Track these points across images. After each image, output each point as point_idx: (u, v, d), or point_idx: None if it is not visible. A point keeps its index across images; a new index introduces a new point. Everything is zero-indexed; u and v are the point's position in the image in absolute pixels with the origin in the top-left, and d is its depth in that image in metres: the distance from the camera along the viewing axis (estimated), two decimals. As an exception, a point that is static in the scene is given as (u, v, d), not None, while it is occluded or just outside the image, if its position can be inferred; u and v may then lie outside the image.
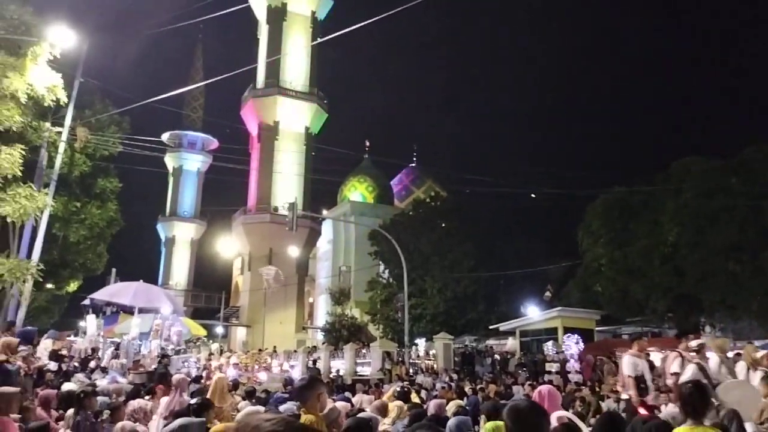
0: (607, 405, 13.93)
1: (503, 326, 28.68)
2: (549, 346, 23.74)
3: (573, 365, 20.96)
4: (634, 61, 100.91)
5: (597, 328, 27.11)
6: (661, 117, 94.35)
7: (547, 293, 33.99)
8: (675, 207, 24.39)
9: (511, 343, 28.39)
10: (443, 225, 35.69)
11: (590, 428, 5.58)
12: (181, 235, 63.95)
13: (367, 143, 58.41)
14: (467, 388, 16.88)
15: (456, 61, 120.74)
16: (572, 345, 21.97)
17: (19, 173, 13.28)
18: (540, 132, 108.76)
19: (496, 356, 26.60)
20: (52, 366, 13.92)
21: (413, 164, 58.24)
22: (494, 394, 15.53)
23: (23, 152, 13.47)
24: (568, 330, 23.92)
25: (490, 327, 29.78)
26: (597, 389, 16.04)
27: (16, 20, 13.18)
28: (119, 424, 5.73)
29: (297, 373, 22.39)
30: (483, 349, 28.77)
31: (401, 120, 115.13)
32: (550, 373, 20.56)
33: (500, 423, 5.92)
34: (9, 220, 14.17)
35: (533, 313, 28.81)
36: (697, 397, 3.87)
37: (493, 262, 32.38)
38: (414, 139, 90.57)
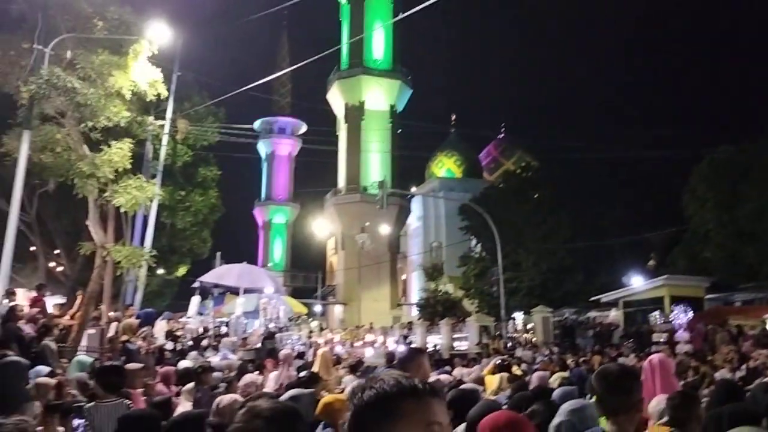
0: (721, 375, 13.26)
1: (605, 297, 27.81)
2: (655, 317, 22.85)
3: (682, 335, 20.08)
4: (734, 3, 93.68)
5: (706, 296, 25.78)
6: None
7: (651, 262, 32.60)
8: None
9: (614, 315, 27.52)
10: (536, 196, 34.87)
11: (705, 399, 5.32)
12: (276, 219, 66.07)
13: (453, 117, 57.71)
14: (569, 361, 16.54)
15: (540, 25, 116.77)
16: (680, 314, 21.03)
17: (129, 166, 14.11)
18: (636, 92, 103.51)
19: (599, 328, 25.90)
20: (169, 345, 14.89)
21: (501, 135, 57.05)
22: (599, 366, 15.14)
23: (131, 146, 14.28)
24: (675, 299, 22.91)
25: (591, 299, 28.96)
26: (710, 359, 15.28)
27: (117, 20, 13.91)
28: (228, 396, 6.02)
29: (399, 349, 22.70)
30: (584, 321, 28.07)
31: (487, 91, 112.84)
32: (657, 344, 19.77)
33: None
34: (122, 210, 15.12)
35: (637, 283, 27.76)
36: None
37: (590, 231, 31.35)
38: (501, 110, 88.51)
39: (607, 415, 2.69)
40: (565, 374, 11.73)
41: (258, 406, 1.95)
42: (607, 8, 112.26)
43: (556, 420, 3.33)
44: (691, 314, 21.03)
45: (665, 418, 4.04)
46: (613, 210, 32.75)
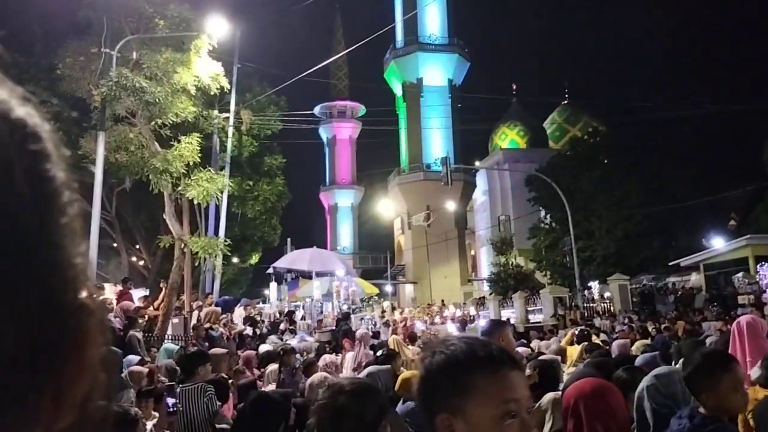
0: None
1: (684, 261, 26.76)
2: (739, 278, 21.83)
3: (769, 296, 19.14)
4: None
5: (796, 254, 24.43)
6: None
7: (732, 222, 31.06)
8: None
9: (695, 279, 26.47)
10: (605, 161, 33.78)
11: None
12: (342, 202, 66.83)
13: (514, 86, 56.48)
14: (650, 328, 16.08)
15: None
16: (767, 274, 20.01)
17: (198, 159, 14.55)
18: (705, 44, 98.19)
19: (679, 293, 25.02)
20: (248, 330, 15.37)
21: (566, 102, 55.42)
22: (683, 332, 14.65)
23: (199, 140, 14.71)
24: (760, 259, 21.80)
25: (669, 263, 27.94)
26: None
27: (177, 17, 14.29)
28: (315, 375, 6.19)
29: (451, 327, 22.64)
30: (663, 287, 27.15)
31: (548, 57, 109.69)
32: (743, 306, 18.92)
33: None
34: (195, 202, 15.64)
35: (718, 244, 26.55)
36: None
37: (665, 194, 30.15)
38: (563, 75, 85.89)
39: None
40: (647, 341, 11.43)
41: (340, 383, 2.08)
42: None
43: (642, 385, 3.26)
44: (779, 274, 19.97)
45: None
46: (688, 170, 31.36)
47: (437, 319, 25.37)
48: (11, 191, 0.32)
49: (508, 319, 24.99)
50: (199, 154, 14.65)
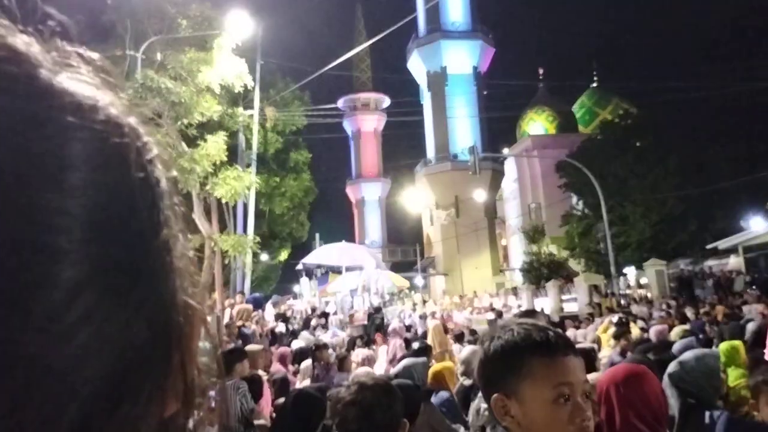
0: None
1: (722, 244, 26.09)
2: (781, 260, 21.22)
3: (815, 278, 18.52)
4: None
5: (840, 233, 23.65)
6: None
7: (772, 202, 30.17)
8: None
9: (734, 261, 25.79)
10: (638, 144, 33.08)
11: None
12: (369, 196, 66.84)
13: (541, 71, 55.61)
14: (689, 314, 15.69)
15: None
16: (811, 255, 19.38)
17: (225, 158, 14.58)
18: (736, 17, 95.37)
19: (718, 277, 24.43)
20: (281, 327, 15.39)
21: (594, 84, 54.43)
22: (723, 317, 14.24)
23: (225, 138, 14.74)
24: (803, 239, 21.16)
25: (707, 247, 27.26)
26: None
27: (199, 17, 14.33)
28: (360, 370, 6.15)
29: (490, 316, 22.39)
30: (701, 271, 26.52)
31: (574, 40, 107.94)
32: (786, 288, 18.37)
33: (736, 343, 5.36)
34: (223, 200, 15.71)
35: (757, 226, 25.82)
36: None
37: (701, 175, 29.38)
38: (591, 58, 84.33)
39: None
40: (686, 327, 11.12)
41: (364, 381, 2.23)
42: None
43: (670, 368, 3.16)
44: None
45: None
46: (724, 150, 30.50)
47: (471, 311, 25.14)
48: (137, 194, 0.35)
49: (542, 309, 24.70)
50: (226, 153, 14.68)
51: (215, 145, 14.15)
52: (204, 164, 13.90)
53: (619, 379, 2.27)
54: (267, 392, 6.11)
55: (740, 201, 29.22)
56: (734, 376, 4.63)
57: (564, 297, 26.67)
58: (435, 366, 5.49)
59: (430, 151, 52.76)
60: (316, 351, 7.49)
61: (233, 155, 18.04)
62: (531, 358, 1.26)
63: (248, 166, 18.80)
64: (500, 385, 1.29)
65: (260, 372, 7.20)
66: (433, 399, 4.84)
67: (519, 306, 25.74)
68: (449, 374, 5.10)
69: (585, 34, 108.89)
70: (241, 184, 14.78)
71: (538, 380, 1.25)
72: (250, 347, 7.23)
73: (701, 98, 32.80)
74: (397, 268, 51.66)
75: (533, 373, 1.25)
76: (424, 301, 30.37)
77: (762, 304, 15.80)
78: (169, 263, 0.36)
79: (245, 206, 19.74)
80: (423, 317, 20.76)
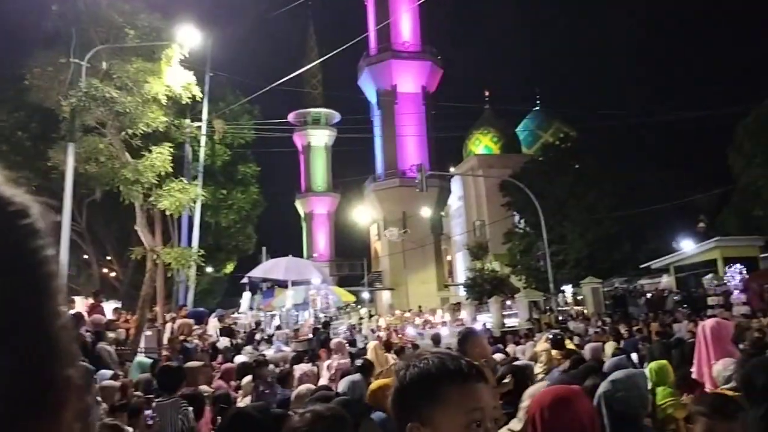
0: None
1: (655, 264, 27.24)
2: (708, 280, 22.28)
3: (738, 297, 19.54)
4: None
5: (762, 255, 24.99)
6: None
7: (700, 224, 31.69)
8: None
9: (666, 281, 26.95)
10: (576, 166, 34.26)
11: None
12: (318, 209, 66.65)
13: (487, 93, 56.98)
14: (623, 331, 16.33)
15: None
16: (735, 276, 20.42)
17: (170, 169, 14.39)
18: (673, 51, 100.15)
19: (650, 295, 25.44)
20: (223, 341, 15.20)
21: (537, 108, 56.09)
22: (656, 334, 14.91)
23: (171, 150, 14.57)
24: (728, 260, 22.28)
25: (641, 266, 28.41)
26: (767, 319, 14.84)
27: (147, 27, 14.17)
28: (302, 387, 6.19)
29: (443, 331, 22.70)
30: (635, 289, 27.58)
31: (519, 65, 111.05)
32: (713, 307, 19.32)
33: (664, 362, 5.68)
34: (168, 213, 15.48)
35: (687, 247, 27.09)
36: None
37: (635, 198, 30.68)
38: (535, 82, 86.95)
39: None
40: (618, 344, 11.62)
41: (320, 411, 2.20)
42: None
43: (599, 391, 3.33)
44: (745, 275, 20.40)
45: (731, 383, 3.99)
46: (657, 174, 31.96)
47: (424, 326, 25.44)
48: (7, 263, 0.36)
49: (485, 324, 25.18)
50: (171, 164, 14.50)
51: (160, 156, 13.97)
52: (148, 175, 13.69)
53: (547, 404, 2.40)
54: (207, 411, 6.10)
55: (672, 223, 30.58)
56: (662, 395, 4.85)
57: (505, 312, 27.26)
58: (374, 383, 5.42)
59: (379, 167, 53.17)
60: (256, 368, 7.49)
61: (179, 167, 17.80)
62: (446, 385, 1.30)
63: (194, 178, 18.58)
64: (415, 414, 1.32)
65: (203, 388, 7.18)
66: (374, 416, 4.86)
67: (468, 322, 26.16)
68: (389, 391, 5.07)
69: (529, 60, 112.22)
70: (186, 197, 14.60)
71: (452, 407, 1.29)
72: (190, 364, 7.20)
73: (637, 125, 34.29)
74: (344, 282, 51.56)
75: (448, 399, 1.29)
76: (371, 315, 30.50)
77: (691, 322, 16.59)
78: (42, 331, 0.38)
79: (190, 219, 19.47)
80: (374, 331, 20.94)
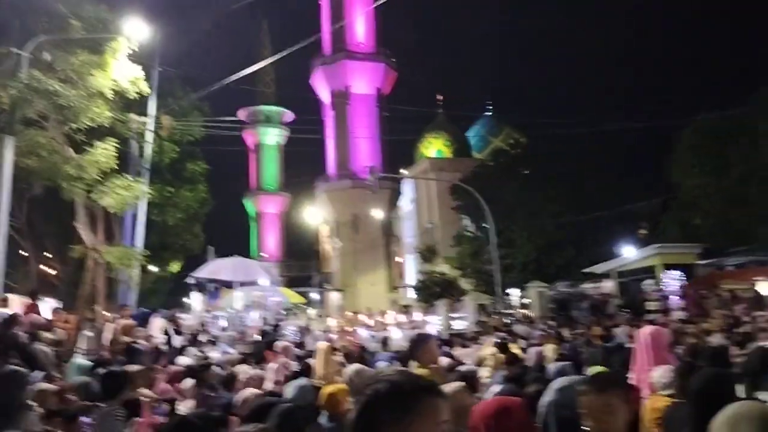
0: (715, 341, 13.40)
1: (597, 269, 28.00)
2: (648, 285, 23.05)
3: (675, 303, 20.29)
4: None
5: (698, 262, 25.99)
6: (751, 32, 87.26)
7: (642, 231, 32.79)
8: (773, 127, 22.81)
9: (608, 286, 27.74)
10: (525, 172, 34.91)
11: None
12: (267, 209, 65.95)
13: (440, 97, 57.51)
14: (566, 334, 16.70)
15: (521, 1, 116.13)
16: (673, 282, 21.20)
17: (115, 166, 14.01)
18: (619, 63, 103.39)
19: (593, 299, 26.12)
20: (161, 341, 14.82)
21: (488, 113, 56.93)
22: (597, 338, 15.29)
23: (116, 145, 14.17)
24: (667, 267, 23.08)
25: (584, 271, 29.15)
26: (705, 325, 15.43)
27: (93, 19, 13.73)
28: (247, 391, 6.09)
29: (395, 333, 22.73)
30: (578, 293, 28.28)
31: (472, 70, 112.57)
32: (651, 312, 19.99)
33: (602, 369, 5.81)
34: (111, 211, 15.03)
35: (629, 253, 27.93)
36: None
37: (580, 204, 31.48)
38: (487, 88, 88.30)
39: None
40: (558, 348, 11.89)
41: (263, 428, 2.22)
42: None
43: (545, 399, 3.38)
44: (683, 281, 21.19)
45: (670, 390, 4.12)
46: (602, 182, 32.88)
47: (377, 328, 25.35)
48: None
49: (438, 332, 25.36)
50: (116, 160, 14.11)
51: (104, 152, 13.60)
52: (91, 172, 13.30)
53: (491, 411, 2.43)
54: (146, 416, 5.94)
55: (615, 229, 31.52)
56: None
57: (453, 315, 27.53)
58: (329, 387, 5.36)
59: (331, 167, 52.98)
60: (200, 372, 7.33)
61: (124, 163, 17.30)
62: (422, 399, 1.36)
63: (140, 175, 18.09)
64: (387, 428, 1.35)
65: (146, 391, 6.98)
66: (323, 421, 4.80)
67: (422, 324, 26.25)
68: (343, 397, 4.91)
69: (482, 66, 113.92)
70: (130, 194, 14.25)
71: (428, 419, 1.35)
72: (129, 367, 7.00)
73: (584, 133, 35.23)
74: (293, 282, 51.14)
75: (424, 412, 1.35)
76: (320, 317, 30.33)
77: (631, 326, 17.10)
78: None
79: (134, 217, 18.95)
80: (326, 331, 20.79)
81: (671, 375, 4.41)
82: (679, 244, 26.33)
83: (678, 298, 20.50)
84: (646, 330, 5.49)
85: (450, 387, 3.34)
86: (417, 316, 28.42)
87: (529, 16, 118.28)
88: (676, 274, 21.35)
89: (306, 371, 6.39)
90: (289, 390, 5.82)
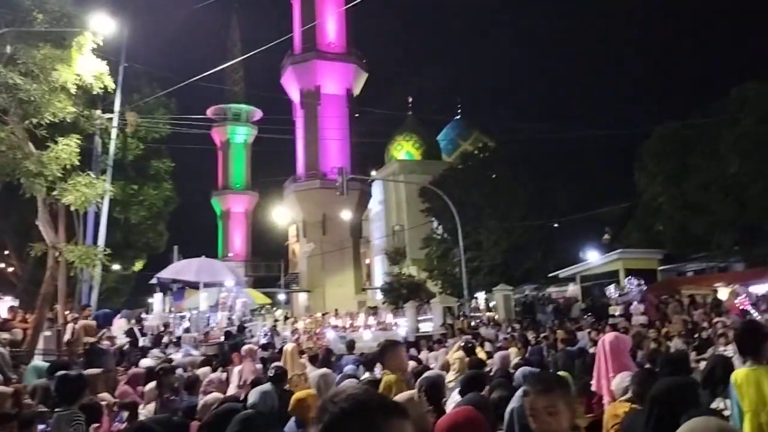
0: (674, 345, 13.71)
1: (563, 273, 28.41)
2: (611, 290, 23.42)
3: (637, 307, 20.66)
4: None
5: (660, 268, 26.57)
6: (712, 43, 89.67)
7: (606, 236, 33.37)
8: (734, 136, 23.39)
9: (573, 289, 28.15)
10: (493, 176, 35.25)
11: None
12: (235, 208, 65.25)
13: (410, 99, 57.76)
14: (531, 337, 16.89)
15: (493, 5, 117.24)
16: (635, 287, 21.59)
17: (77, 162, 13.66)
18: (587, 71, 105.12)
19: (558, 303, 26.45)
20: (124, 342, 14.57)
21: (458, 117, 57.36)
22: (561, 342, 15.48)
23: (78, 142, 13.82)
24: (629, 272, 23.54)
25: (549, 275, 29.54)
26: (665, 330, 15.75)
27: (58, 12, 13.37)
28: (210, 396, 6.00)
29: (366, 335, 22.74)
30: (543, 297, 28.62)
31: (443, 73, 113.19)
32: (614, 316, 20.32)
33: (566, 374, 5.89)
34: (72, 208, 14.66)
35: (593, 258, 28.40)
36: (749, 336, 3.73)
37: (547, 208, 31.90)
38: (457, 91, 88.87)
39: None
40: (521, 352, 12.02)
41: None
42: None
43: (510, 406, 3.40)
44: (644, 286, 21.60)
45: (628, 395, 4.18)
46: (568, 187, 33.37)
47: (345, 329, 25.30)
48: None
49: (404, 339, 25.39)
50: (79, 157, 13.75)
51: (67, 148, 13.21)
52: (53, 168, 12.93)
53: (457, 423, 2.43)
54: (105, 422, 5.80)
55: (580, 234, 32.03)
56: None
57: (420, 317, 27.59)
58: (299, 393, 5.29)
59: (300, 167, 52.65)
60: (163, 375, 7.19)
61: (87, 160, 16.93)
62: (389, 419, 1.32)
63: (104, 172, 17.72)
64: None
65: (105, 395, 6.83)
66: (289, 428, 4.76)
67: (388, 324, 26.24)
68: (313, 402, 4.85)
69: (453, 70, 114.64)
70: (93, 192, 13.88)
71: None
72: (88, 371, 6.83)
73: (553, 139, 35.75)
74: (260, 283, 50.78)
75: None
76: (286, 318, 30.09)
77: (594, 330, 17.37)
78: None
79: (97, 214, 18.55)
80: (294, 333, 20.65)
81: (629, 381, 4.48)
82: (641, 250, 26.88)
83: (639, 302, 20.87)
84: (608, 337, 5.58)
85: (403, 396, 3.33)
86: (385, 317, 28.42)
87: (500, 23, 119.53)
88: (638, 279, 21.75)
89: (277, 377, 6.32)
90: (252, 396, 5.75)
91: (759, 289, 20.00)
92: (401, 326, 25.97)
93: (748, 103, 23.75)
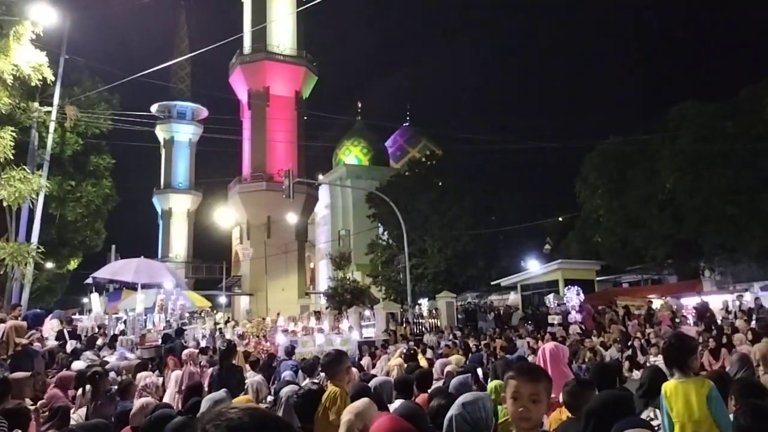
0: (610, 354, 14.17)
1: (504, 281, 28.89)
2: (550, 299, 23.97)
3: (575, 316, 21.19)
4: (624, 4, 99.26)
5: (597, 278, 27.36)
6: (655, 63, 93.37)
7: (547, 246, 34.17)
8: (671, 153, 24.32)
9: (513, 298, 28.67)
10: (440, 184, 35.62)
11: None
12: (177, 207, 63.71)
13: (359, 104, 57.93)
14: (472, 344, 17.13)
15: (444, 15, 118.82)
16: (573, 296, 22.15)
17: (12, 156, 13.12)
18: (534, 85, 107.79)
19: (499, 311, 26.87)
20: (56, 343, 13.99)
21: (407, 124, 57.79)
22: (500, 349, 15.76)
23: (14, 134, 13.29)
24: (568, 282, 24.12)
25: (492, 283, 30.01)
26: (601, 339, 16.23)
27: (-5, 0, 12.87)
28: (141, 401, 5.80)
29: (319, 339, 22.42)
30: (485, 304, 29.04)
31: (392, 80, 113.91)
32: (552, 325, 20.80)
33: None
34: (5, 204, 14.06)
35: (534, 267, 28.99)
36: (676, 349, 3.87)
37: (491, 218, 32.43)
38: (406, 99, 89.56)
39: None
40: (461, 359, 12.16)
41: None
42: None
43: (450, 413, 3.43)
44: (582, 296, 22.17)
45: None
46: (512, 197, 34.02)
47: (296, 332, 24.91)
48: None
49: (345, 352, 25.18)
50: (13, 150, 13.22)
51: (1, 141, 12.71)
52: (-16, 161, 12.40)
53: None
54: (33, 427, 5.54)
55: (522, 244, 32.70)
56: (503, 413, 5.13)
57: (364, 323, 27.56)
58: (241, 397, 5.21)
59: (246, 169, 51.93)
60: (94, 378, 6.92)
61: (23, 153, 16.22)
62: None
63: (40, 167, 17.03)
64: None
65: (29, 401, 6.54)
66: None
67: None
68: None
69: (402, 77, 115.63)
70: (27, 187, 13.39)
71: None
72: (14, 375, 6.54)
73: (498, 150, 36.49)
74: (201, 285, 49.67)
75: None
76: (227, 321, 29.53)
77: (533, 338, 17.75)
78: None
79: (31, 211, 17.79)
80: (242, 338, 20.23)
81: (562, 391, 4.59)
82: (579, 261, 27.60)
83: (576, 312, 21.42)
84: (547, 346, 5.71)
85: (364, 403, 3.30)
86: (333, 322, 28.26)
87: (453, 34, 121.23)
88: (576, 289, 22.32)
89: (231, 350, 6.15)
90: (204, 404, 5.52)
91: (690, 301, 20.85)
92: (356, 331, 25.85)
93: (686, 122, 24.71)
